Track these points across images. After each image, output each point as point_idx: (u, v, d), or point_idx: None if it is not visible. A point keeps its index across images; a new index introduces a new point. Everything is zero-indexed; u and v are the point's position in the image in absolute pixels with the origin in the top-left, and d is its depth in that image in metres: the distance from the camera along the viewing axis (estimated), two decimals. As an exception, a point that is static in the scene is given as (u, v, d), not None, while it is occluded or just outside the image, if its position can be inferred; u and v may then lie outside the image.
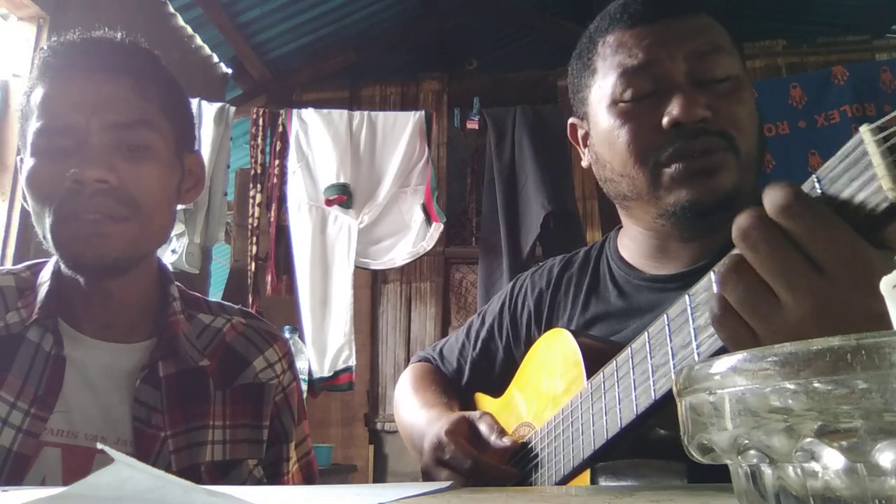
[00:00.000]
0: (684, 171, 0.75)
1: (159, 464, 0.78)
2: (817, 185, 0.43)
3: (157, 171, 0.81)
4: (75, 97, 0.78)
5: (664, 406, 0.56)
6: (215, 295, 3.21)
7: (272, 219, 3.13)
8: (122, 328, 0.85)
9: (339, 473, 3.12)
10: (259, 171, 3.15)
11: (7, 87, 2.53)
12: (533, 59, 4.24)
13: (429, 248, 3.10)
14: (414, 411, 0.98)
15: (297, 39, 3.89)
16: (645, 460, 0.64)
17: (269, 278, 3.08)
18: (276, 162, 3.13)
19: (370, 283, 3.74)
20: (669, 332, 0.55)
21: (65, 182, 0.74)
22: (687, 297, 0.53)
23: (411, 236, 3.06)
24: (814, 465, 0.22)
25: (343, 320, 2.96)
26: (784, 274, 0.41)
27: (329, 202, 3.02)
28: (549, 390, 0.80)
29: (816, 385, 0.21)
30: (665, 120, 0.75)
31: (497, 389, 0.97)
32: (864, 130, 0.39)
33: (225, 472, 0.83)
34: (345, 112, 3.15)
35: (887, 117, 0.38)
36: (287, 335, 2.65)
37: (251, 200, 3.17)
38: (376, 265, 3.13)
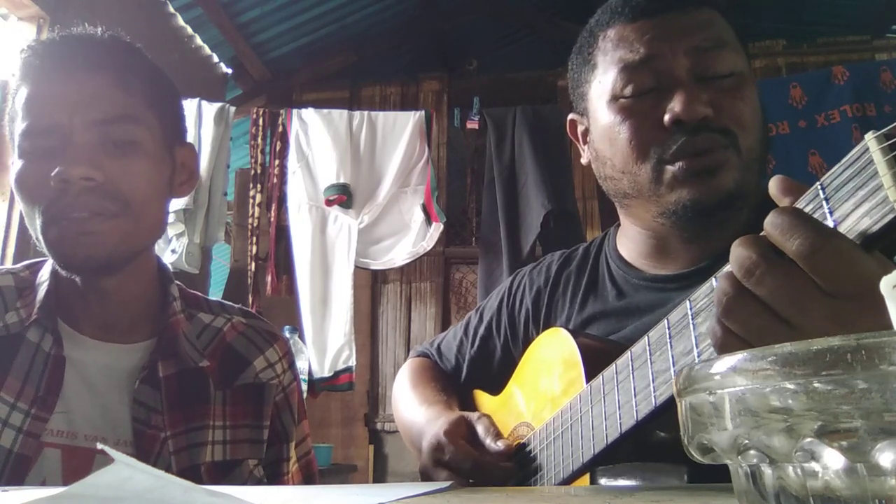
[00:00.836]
0: (686, 169, 0.74)
1: (159, 464, 0.78)
2: (821, 192, 0.42)
3: (144, 166, 0.80)
4: (57, 96, 0.77)
5: (665, 412, 0.55)
6: (215, 295, 3.20)
7: (272, 219, 3.13)
8: (122, 328, 0.84)
9: (339, 473, 3.12)
10: (259, 171, 3.15)
11: (7, 87, 2.53)
12: (533, 59, 4.24)
13: (429, 248, 3.10)
14: (413, 408, 0.98)
15: (297, 39, 3.89)
16: (645, 463, 0.63)
17: (269, 278, 3.08)
18: (276, 162, 3.13)
19: (370, 283, 3.74)
20: (670, 338, 0.54)
21: (51, 181, 0.74)
22: (688, 302, 0.52)
23: (411, 236, 3.07)
24: (814, 465, 0.22)
25: (343, 320, 2.96)
26: (795, 304, 0.40)
27: (329, 202, 3.02)
28: (548, 390, 0.80)
29: (816, 385, 0.21)
30: (667, 117, 0.74)
31: (495, 387, 0.97)
32: (870, 138, 0.38)
33: (225, 473, 0.83)
34: (345, 112, 3.15)
35: (894, 125, 0.37)
36: (287, 335, 2.65)
37: (251, 200, 3.17)
38: (376, 265, 3.13)
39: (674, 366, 0.53)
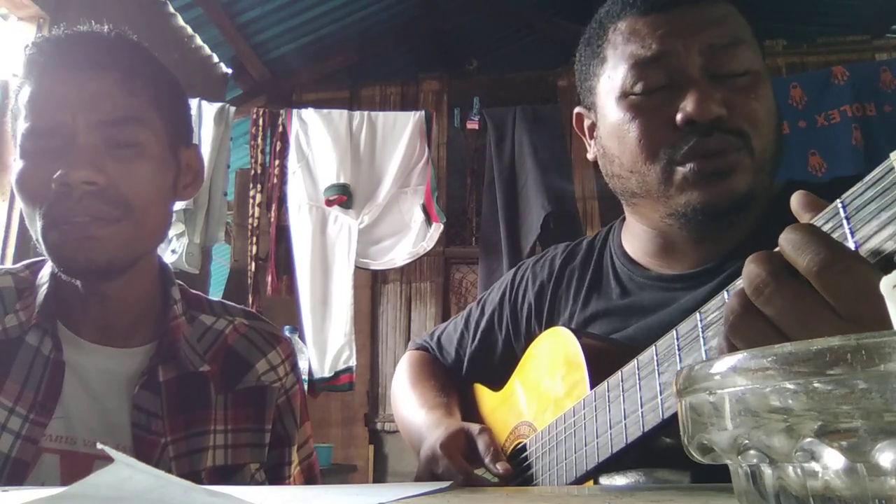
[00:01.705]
0: (698, 172, 0.72)
1: (159, 470, 0.77)
2: (842, 211, 0.40)
3: (148, 169, 0.78)
4: (60, 96, 0.76)
5: (672, 423, 0.54)
6: (215, 295, 3.19)
7: (272, 219, 3.13)
8: (122, 332, 0.83)
9: (339, 473, 3.12)
10: (259, 171, 3.15)
11: (7, 87, 2.53)
12: (533, 59, 4.24)
13: (429, 249, 3.10)
14: (413, 409, 0.97)
15: (297, 39, 3.89)
16: (649, 470, 0.63)
17: (269, 278, 3.08)
18: (276, 162, 3.13)
19: (370, 283, 3.74)
20: (679, 349, 0.53)
21: (52, 184, 0.72)
22: (698, 314, 0.51)
23: (411, 236, 3.07)
24: (814, 465, 0.22)
25: (343, 320, 2.96)
26: (803, 325, 0.38)
27: (329, 202, 3.02)
28: (551, 391, 0.79)
29: (816, 385, 0.21)
30: (679, 117, 0.71)
31: (496, 381, 0.96)
32: (895, 157, 0.36)
33: (226, 477, 0.82)
34: (345, 112, 3.15)
35: None
36: (287, 335, 2.65)
37: (251, 200, 3.17)
38: (376, 265, 3.13)
39: None
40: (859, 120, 2.91)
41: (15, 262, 2.37)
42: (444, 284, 3.80)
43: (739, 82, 0.73)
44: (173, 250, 2.89)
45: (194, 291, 0.94)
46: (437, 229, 3.05)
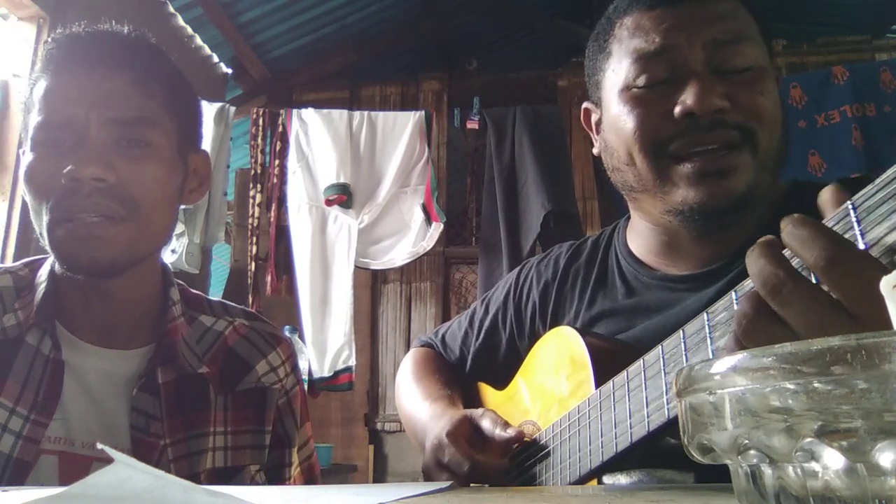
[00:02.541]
0: (695, 170, 0.70)
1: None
2: (852, 212, 0.39)
3: (157, 170, 0.79)
4: (76, 91, 0.76)
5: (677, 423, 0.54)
6: (215, 295, 3.19)
7: (272, 219, 3.13)
8: (121, 333, 0.83)
9: (339, 473, 3.12)
10: (259, 171, 3.15)
11: (7, 87, 2.53)
12: (533, 59, 4.24)
13: (429, 248, 3.10)
14: (417, 402, 0.96)
15: (297, 39, 3.89)
16: (652, 470, 0.63)
17: (269, 278, 3.08)
18: (276, 162, 3.13)
19: (370, 283, 3.74)
20: (686, 350, 0.53)
21: (62, 179, 0.72)
22: (705, 315, 0.51)
23: (411, 236, 3.07)
24: (814, 465, 0.22)
25: (343, 320, 2.96)
26: (820, 327, 0.37)
27: (329, 202, 3.02)
28: (556, 390, 0.79)
29: (816, 385, 0.21)
30: (677, 109, 0.70)
31: (500, 380, 0.96)
32: None
33: (226, 479, 0.82)
34: (345, 112, 3.15)
35: None
36: (287, 335, 2.65)
37: (251, 200, 3.17)
38: (376, 265, 3.13)
39: None
40: (859, 120, 2.91)
41: (15, 261, 2.37)
42: (444, 284, 3.80)
43: (743, 77, 0.72)
44: (173, 250, 2.89)
45: (194, 291, 0.94)
46: (436, 229, 3.05)
